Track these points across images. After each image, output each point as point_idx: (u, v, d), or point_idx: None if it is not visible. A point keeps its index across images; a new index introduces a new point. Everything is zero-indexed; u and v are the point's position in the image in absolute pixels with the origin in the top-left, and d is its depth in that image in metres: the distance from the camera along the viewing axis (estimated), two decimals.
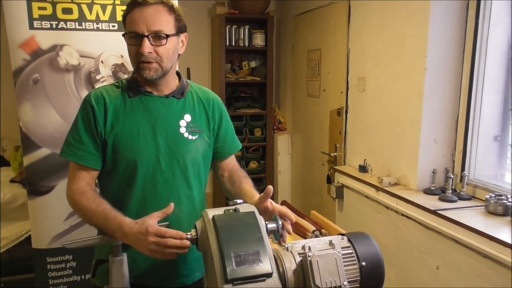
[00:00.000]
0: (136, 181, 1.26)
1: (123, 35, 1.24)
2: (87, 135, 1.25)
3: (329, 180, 2.94)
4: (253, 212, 1.03)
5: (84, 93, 2.01)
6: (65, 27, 1.99)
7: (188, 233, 1.05)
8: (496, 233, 1.62)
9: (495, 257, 1.59)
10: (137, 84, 1.30)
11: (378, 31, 2.40)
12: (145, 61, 1.21)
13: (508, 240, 1.56)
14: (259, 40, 3.75)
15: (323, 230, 1.67)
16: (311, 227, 1.68)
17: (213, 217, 0.98)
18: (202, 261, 1.11)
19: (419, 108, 2.09)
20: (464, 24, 2.05)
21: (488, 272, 1.65)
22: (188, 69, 3.80)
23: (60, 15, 1.97)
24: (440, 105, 2.10)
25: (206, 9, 3.93)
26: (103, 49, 2.06)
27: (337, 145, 2.95)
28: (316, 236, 1.59)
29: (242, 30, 3.73)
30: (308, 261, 0.94)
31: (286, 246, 1.01)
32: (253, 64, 3.85)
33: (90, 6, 2.01)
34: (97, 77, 2.07)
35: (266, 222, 1.08)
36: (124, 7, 1.24)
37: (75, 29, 2.00)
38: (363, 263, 0.99)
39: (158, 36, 1.20)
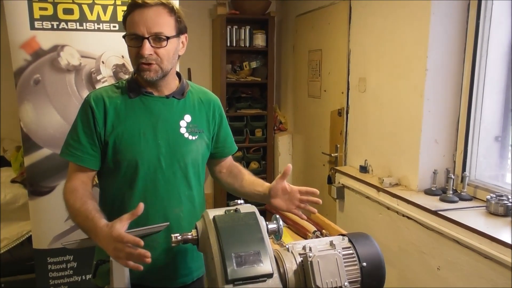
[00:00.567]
0: (137, 181, 1.26)
1: (124, 36, 1.24)
2: (85, 136, 1.25)
3: (330, 180, 2.94)
4: (253, 213, 1.03)
5: (85, 93, 2.02)
6: (66, 27, 1.99)
7: (189, 234, 1.05)
8: (497, 233, 1.62)
9: (496, 258, 1.59)
10: (137, 84, 1.30)
11: (379, 31, 2.40)
12: (145, 63, 1.21)
13: (509, 241, 1.55)
14: (260, 40, 3.75)
15: (323, 231, 1.67)
16: (312, 228, 1.68)
17: (214, 217, 0.99)
18: (202, 260, 1.11)
19: (420, 108, 2.09)
20: (465, 24, 2.04)
21: (489, 272, 1.65)
22: (189, 70, 3.80)
23: (61, 15, 1.98)
24: (441, 106, 2.10)
25: (207, 9, 3.93)
26: (104, 49, 2.06)
27: (338, 145, 2.95)
28: (317, 237, 1.59)
29: (243, 30, 3.73)
30: (309, 262, 0.94)
31: (287, 246, 1.01)
32: (254, 64, 3.85)
33: (91, 6, 2.01)
34: (98, 77, 2.07)
35: (267, 223, 1.08)
36: (125, 8, 1.24)
37: (76, 30, 2.00)
38: (364, 264, 0.99)
39: (158, 38, 1.20)
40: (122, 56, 2.08)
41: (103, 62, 2.07)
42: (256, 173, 3.80)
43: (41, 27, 1.96)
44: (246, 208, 1.05)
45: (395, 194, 2.16)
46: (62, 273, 2.13)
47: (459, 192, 2.03)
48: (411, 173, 2.20)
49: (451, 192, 2.00)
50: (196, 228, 1.05)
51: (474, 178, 2.07)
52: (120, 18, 2.04)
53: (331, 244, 1.00)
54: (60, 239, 2.05)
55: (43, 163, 2.03)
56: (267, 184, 1.35)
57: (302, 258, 0.97)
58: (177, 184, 1.31)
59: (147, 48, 1.19)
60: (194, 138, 1.32)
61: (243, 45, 3.76)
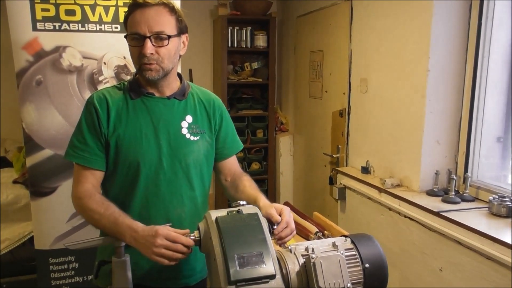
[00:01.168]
0: (139, 182, 1.26)
1: (125, 36, 1.25)
2: (92, 137, 1.25)
3: (332, 181, 2.94)
4: (256, 214, 1.03)
5: (87, 94, 2.02)
6: (68, 28, 1.99)
7: (191, 235, 1.05)
8: (499, 234, 1.62)
9: (498, 259, 1.59)
10: (138, 85, 1.31)
11: (381, 32, 2.40)
12: (147, 63, 1.21)
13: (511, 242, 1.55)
14: (261, 41, 3.75)
15: (326, 232, 1.67)
16: (314, 229, 1.68)
17: (216, 218, 0.98)
18: (205, 261, 1.11)
19: (422, 109, 2.09)
20: (467, 25, 2.04)
21: (491, 273, 1.64)
22: (190, 70, 3.80)
23: (63, 16, 1.98)
24: (443, 106, 2.10)
25: (208, 10, 3.93)
26: (106, 50, 2.06)
27: (340, 146, 2.95)
28: (319, 238, 1.59)
29: (244, 31, 3.73)
30: (311, 263, 0.94)
31: (289, 247, 1.01)
32: (255, 65, 3.85)
33: (93, 7, 2.02)
34: (100, 78, 2.07)
35: (270, 224, 1.08)
36: (127, 9, 1.24)
37: (78, 31, 2.01)
38: (367, 265, 0.99)
39: (159, 37, 1.20)
40: (124, 57, 2.08)
41: (105, 63, 2.07)
42: (257, 174, 3.86)
43: (43, 28, 1.96)
44: (248, 209, 1.05)
45: (397, 195, 2.16)
46: (64, 273, 2.13)
47: (461, 193, 2.02)
48: (413, 174, 2.19)
49: (453, 193, 1.99)
50: (198, 229, 1.04)
51: (476, 179, 2.07)
52: (122, 19, 2.04)
53: (334, 245, 1.00)
54: (61, 240, 2.06)
55: (45, 163, 2.03)
56: (260, 205, 1.23)
57: (304, 259, 0.97)
58: (179, 185, 1.30)
59: (149, 47, 1.19)
60: (195, 138, 1.32)
61: (244, 46, 3.76)
